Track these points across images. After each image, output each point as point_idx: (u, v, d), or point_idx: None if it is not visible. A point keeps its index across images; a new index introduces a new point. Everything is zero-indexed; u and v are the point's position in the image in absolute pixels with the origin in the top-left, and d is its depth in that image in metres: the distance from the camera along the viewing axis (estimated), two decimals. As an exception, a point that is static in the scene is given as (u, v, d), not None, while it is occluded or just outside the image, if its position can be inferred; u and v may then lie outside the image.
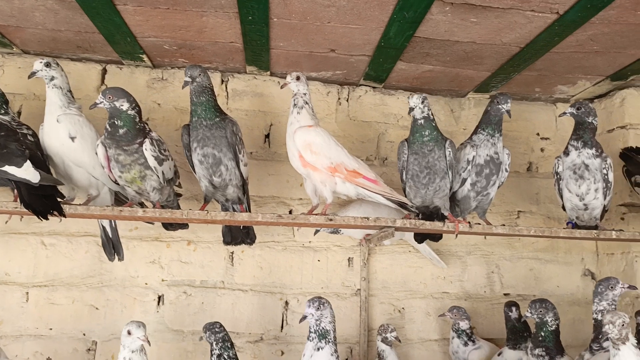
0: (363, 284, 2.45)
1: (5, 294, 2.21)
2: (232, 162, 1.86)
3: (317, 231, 2.33)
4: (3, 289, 2.21)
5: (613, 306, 1.85)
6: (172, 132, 2.42)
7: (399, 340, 2.19)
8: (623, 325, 1.45)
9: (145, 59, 2.37)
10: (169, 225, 2.12)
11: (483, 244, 2.62)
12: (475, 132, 2.00)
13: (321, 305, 1.72)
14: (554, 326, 1.98)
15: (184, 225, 2.13)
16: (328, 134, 1.92)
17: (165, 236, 2.35)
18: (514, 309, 2.20)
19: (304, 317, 1.71)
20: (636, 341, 1.48)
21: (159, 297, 2.31)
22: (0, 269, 2.22)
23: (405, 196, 1.98)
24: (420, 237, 2.24)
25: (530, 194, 2.72)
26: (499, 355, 2.18)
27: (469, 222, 1.92)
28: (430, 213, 2.01)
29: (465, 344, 2.25)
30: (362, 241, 2.41)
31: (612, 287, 1.85)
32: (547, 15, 1.86)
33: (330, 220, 1.80)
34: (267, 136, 2.54)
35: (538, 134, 2.78)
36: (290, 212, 2.48)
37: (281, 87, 1.95)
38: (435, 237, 2.23)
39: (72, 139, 1.83)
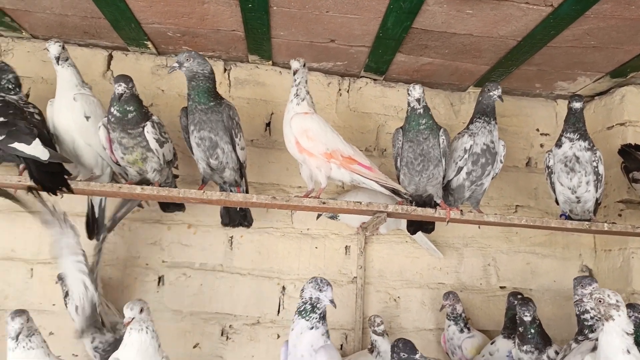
0: (359, 272, 2.49)
1: (11, 269, 2.28)
2: (229, 145, 1.91)
3: (319, 215, 2.37)
4: (8, 265, 2.28)
5: (584, 302, 1.85)
6: (175, 118, 2.42)
7: (387, 334, 2.23)
8: (601, 302, 1.48)
9: (150, 45, 2.43)
10: (166, 207, 2.17)
11: (480, 236, 2.64)
12: (471, 121, 2.03)
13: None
14: (538, 321, 2.02)
15: (181, 207, 2.18)
16: (324, 121, 1.96)
17: (166, 219, 2.42)
18: (519, 297, 2.22)
19: (333, 302, 1.71)
20: (631, 324, 1.49)
21: (159, 278, 2.37)
22: (6, 245, 2.29)
23: (400, 184, 2.01)
24: (413, 229, 2.26)
25: (529, 189, 2.74)
26: (492, 343, 2.20)
27: (461, 210, 1.94)
28: (424, 202, 2.04)
29: (461, 331, 2.28)
30: (358, 229, 2.44)
31: (583, 285, 1.86)
32: (541, 7, 1.88)
33: (324, 203, 1.84)
34: (268, 124, 2.59)
35: (538, 130, 2.80)
36: (289, 200, 2.53)
37: (294, 74, 1.96)
38: (428, 228, 2.25)
39: (87, 118, 1.90)
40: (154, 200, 2.09)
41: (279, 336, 2.40)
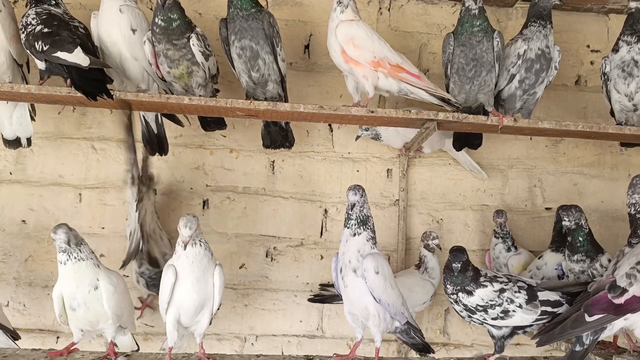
0: (402, 194, 2.46)
1: (60, 194, 2.32)
2: (270, 56, 1.87)
3: (358, 137, 2.34)
4: (57, 190, 2.32)
5: None
6: (214, 41, 2.39)
7: (440, 248, 2.22)
8: None
9: (187, -34, 2.36)
10: (207, 125, 2.15)
11: (526, 157, 2.58)
12: (525, 26, 1.94)
13: (363, 192, 1.75)
14: (587, 228, 1.95)
15: (222, 125, 2.16)
16: (370, 28, 1.90)
17: (208, 144, 2.41)
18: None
19: (353, 205, 1.73)
20: None
21: (204, 202, 2.39)
22: (54, 171, 2.33)
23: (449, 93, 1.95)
24: (459, 144, 2.22)
25: (578, 108, 2.63)
26: (539, 258, 2.18)
27: (514, 117, 1.88)
28: (474, 113, 1.97)
29: (508, 250, 2.25)
30: (401, 150, 2.40)
31: None
32: None
33: (372, 112, 1.80)
34: (307, 47, 2.52)
35: (588, 46, 2.67)
36: (329, 124, 2.50)
37: None
38: (475, 144, 2.21)
39: (134, 31, 1.87)
40: (200, 115, 2.06)
41: (322, 257, 2.42)
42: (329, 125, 2.49)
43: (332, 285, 2.27)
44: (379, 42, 1.86)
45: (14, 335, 1.94)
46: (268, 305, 2.37)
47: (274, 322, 2.36)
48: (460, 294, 1.77)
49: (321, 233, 2.44)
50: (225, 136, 2.41)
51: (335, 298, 2.21)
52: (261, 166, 2.44)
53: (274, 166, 2.46)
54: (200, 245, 1.75)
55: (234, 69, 1.96)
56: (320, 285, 2.35)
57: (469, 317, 1.77)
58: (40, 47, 1.70)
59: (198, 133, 2.37)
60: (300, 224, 2.43)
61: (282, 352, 2.33)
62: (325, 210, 2.46)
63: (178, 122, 2.23)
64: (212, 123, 2.14)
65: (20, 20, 1.86)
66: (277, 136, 2.16)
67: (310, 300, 2.28)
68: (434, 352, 1.95)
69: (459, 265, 1.75)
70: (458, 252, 1.75)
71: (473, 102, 1.93)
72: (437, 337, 2.42)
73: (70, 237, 1.68)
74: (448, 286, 1.80)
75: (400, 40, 2.56)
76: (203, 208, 2.39)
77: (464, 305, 1.76)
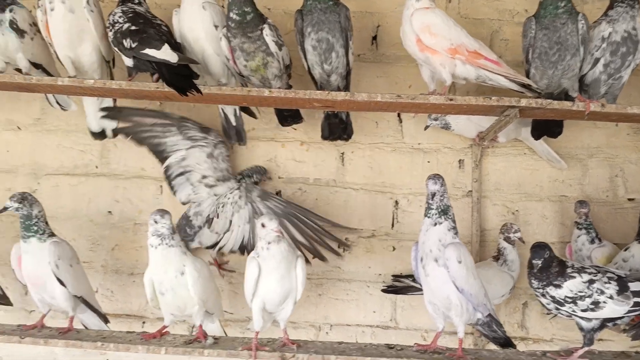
0: (475, 185, 2.42)
1: (142, 187, 2.44)
2: (343, 49, 1.89)
3: (427, 126, 2.31)
4: (140, 183, 2.44)
5: None
6: (283, 35, 2.47)
7: (523, 241, 2.16)
8: None
9: (256, -38, 2.41)
10: (284, 121, 2.20)
11: (606, 146, 2.46)
12: (610, 6, 1.86)
13: (443, 182, 1.73)
14: None
15: (299, 119, 2.20)
16: (446, 15, 1.88)
17: (280, 137, 2.46)
18: None
19: (433, 194, 1.72)
20: None
21: (277, 193, 2.44)
22: (136, 164, 2.45)
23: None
24: (537, 133, 2.15)
25: (661, 93, 2.49)
26: (625, 250, 2.08)
27: (602, 103, 1.81)
28: (556, 99, 1.91)
29: (592, 242, 2.16)
30: (475, 140, 2.36)
31: None
32: None
33: (451, 100, 1.78)
34: (374, 38, 2.52)
35: (675, 27, 2.52)
36: (398, 115, 2.49)
37: None
38: (555, 132, 2.13)
39: (216, 27, 1.94)
40: (278, 106, 2.11)
41: (394, 248, 2.42)
42: (398, 115, 2.48)
43: (406, 277, 2.28)
44: (455, 28, 1.84)
45: (104, 319, 2.06)
46: (341, 295, 2.39)
47: (347, 311, 2.38)
48: (547, 288, 1.71)
49: (392, 224, 2.44)
50: (295, 129, 2.44)
51: (409, 289, 2.21)
52: (331, 158, 2.46)
53: (343, 158, 2.47)
54: (282, 241, 1.74)
55: (306, 60, 1.99)
56: (392, 276, 2.35)
57: (557, 309, 1.72)
58: (129, 44, 1.78)
59: (270, 126, 2.42)
60: (371, 215, 2.44)
61: (357, 342, 2.35)
62: (396, 202, 2.46)
63: (251, 114, 2.29)
64: (289, 117, 2.19)
65: (107, 18, 1.96)
66: (336, 128, 2.19)
67: (383, 290, 2.28)
68: (515, 347, 1.90)
69: (540, 262, 1.68)
70: (539, 248, 1.69)
71: (556, 87, 1.87)
72: (515, 331, 2.36)
73: (173, 225, 1.78)
74: (533, 281, 1.74)
75: (470, 27, 2.46)
76: (276, 199, 2.45)
77: (551, 297, 1.70)
